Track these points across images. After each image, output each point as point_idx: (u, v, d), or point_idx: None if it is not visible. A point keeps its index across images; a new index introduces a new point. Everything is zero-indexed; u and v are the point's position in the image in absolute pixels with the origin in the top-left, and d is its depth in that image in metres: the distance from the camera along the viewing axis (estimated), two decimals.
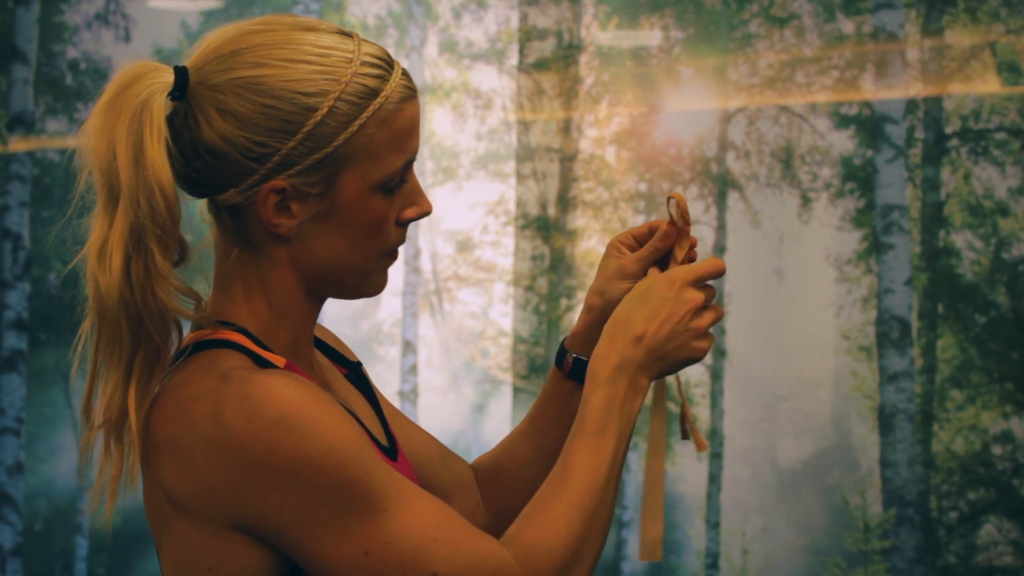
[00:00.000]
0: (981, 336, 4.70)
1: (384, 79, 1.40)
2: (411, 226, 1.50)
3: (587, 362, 1.58)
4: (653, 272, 1.53)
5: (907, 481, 4.66)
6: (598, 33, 5.04)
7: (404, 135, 1.42)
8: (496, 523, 1.65)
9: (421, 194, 1.47)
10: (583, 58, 5.01)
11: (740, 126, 4.94)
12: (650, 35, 4.99)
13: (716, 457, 4.88)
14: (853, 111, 4.84)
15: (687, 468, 4.89)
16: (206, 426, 1.32)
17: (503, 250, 5.37)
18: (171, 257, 1.37)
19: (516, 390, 5.09)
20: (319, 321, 1.57)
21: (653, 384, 1.50)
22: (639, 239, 1.60)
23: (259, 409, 1.31)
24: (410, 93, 1.42)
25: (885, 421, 4.71)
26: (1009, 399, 4.62)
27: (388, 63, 1.42)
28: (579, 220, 5.02)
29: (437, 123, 5.45)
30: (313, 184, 1.39)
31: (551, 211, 5.03)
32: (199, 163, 1.39)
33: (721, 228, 4.95)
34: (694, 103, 4.94)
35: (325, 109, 1.37)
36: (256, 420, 1.31)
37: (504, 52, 5.38)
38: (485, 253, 5.45)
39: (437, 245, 5.53)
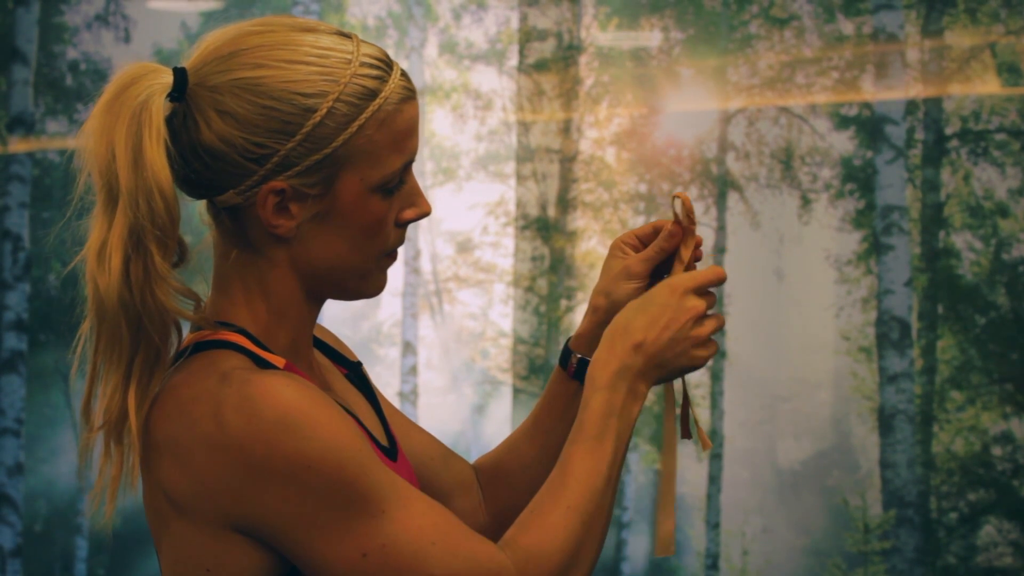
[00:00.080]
0: (981, 337, 4.70)
1: (383, 80, 1.40)
2: (411, 227, 1.50)
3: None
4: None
5: (907, 482, 4.66)
6: (598, 34, 5.04)
7: (403, 136, 1.42)
8: (498, 523, 1.65)
9: (420, 195, 1.47)
10: (583, 59, 5.01)
11: (740, 127, 4.94)
12: (650, 36, 4.99)
13: (716, 458, 4.88)
14: (853, 112, 4.84)
15: (687, 469, 4.89)
16: (206, 426, 1.32)
17: (503, 251, 5.37)
18: (170, 258, 1.37)
19: (516, 391, 5.09)
20: (319, 321, 1.57)
21: (663, 386, 1.51)
22: (643, 239, 1.60)
23: (259, 410, 1.31)
24: (409, 94, 1.42)
25: (885, 422, 4.71)
26: (1009, 400, 4.62)
27: (387, 64, 1.42)
28: (579, 221, 5.02)
29: (437, 124, 5.45)
30: (312, 185, 1.39)
31: (551, 212, 5.03)
32: (198, 164, 1.39)
33: (721, 229, 4.95)
34: (694, 104, 4.94)
35: (324, 110, 1.37)
36: (256, 421, 1.31)
37: (504, 53, 5.38)
38: (485, 254, 5.45)
39: (437, 246, 5.53)
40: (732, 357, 4.92)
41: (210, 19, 5.23)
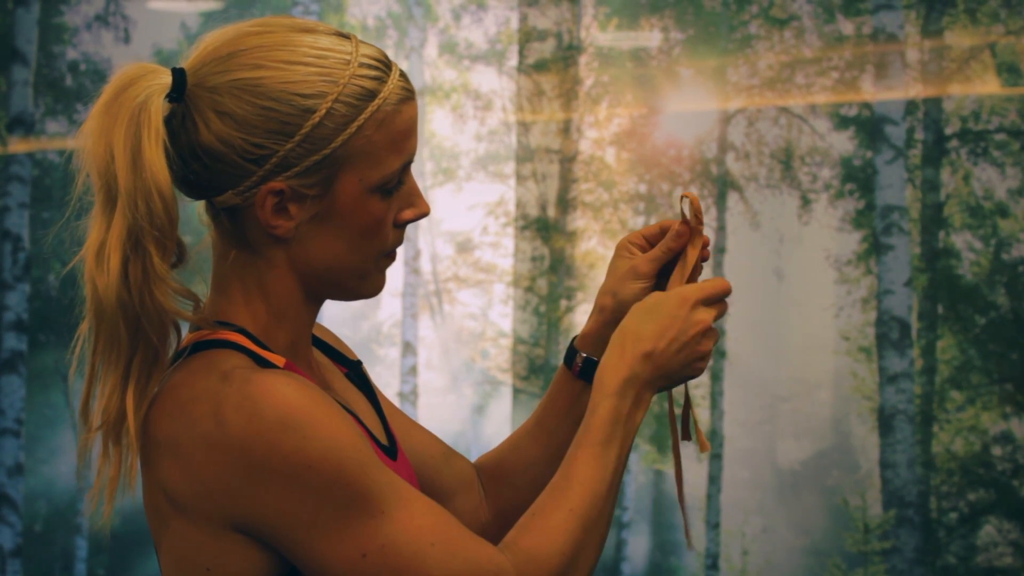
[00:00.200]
0: (981, 337, 4.70)
1: (382, 81, 1.40)
2: (411, 227, 1.50)
3: (597, 362, 1.59)
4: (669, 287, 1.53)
5: (907, 482, 4.66)
6: (598, 34, 5.04)
7: (402, 137, 1.42)
8: (499, 522, 1.65)
9: (419, 195, 1.47)
10: (583, 59, 5.01)
11: (740, 127, 4.94)
12: (650, 36, 4.99)
13: (716, 458, 4.88)
14: (853, 112, 4.84)
15: (687, 469, 4.88)
16: (206, 425, 1.32)
17: (503, 251, 5.37)
18: (169, 259, 1.37)
19: (516, 391, 5.09)
20: (318, 321, 1.57)
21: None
22: (650, 239, 1.60)
23: (259, 409, 1.31)
24: (408, 95, 1.42)
25: (885, 422, 4.71)
26: (1009, 400, 4.62)
27: (386, 65, 1.42)
28: (579, 221, 5.02)
29: (437, 124, 5.45)
30: (311, 186, 1.39)
31: (551, 212, 5.03)
32: (197, 165, 1.39)
33: (721, 229, 4.95)
34: (694, 104, 4.94)
35: (323, 111, 1.37)
36: (256, 420, 1.31)
37: (504, 53, 5.38)
38: (485, 254, 5.45)
39: (437, 246, 5.53)
40: (732, 357, 4.92)
41: (210, 19, 5.23)
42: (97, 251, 1.35)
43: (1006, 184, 4.70)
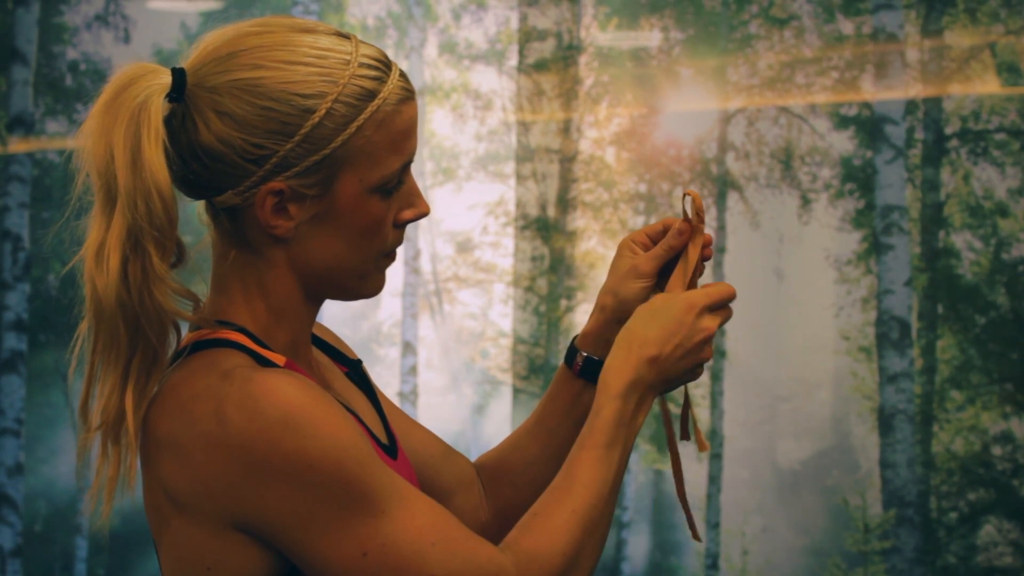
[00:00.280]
0: (981, 337, 4.70)
1: (382, 81, 1.40)
2: (411, 227, 1.50)
3: (598, 361, 1.59)
4: (671, 290, 1.53)
5: (907, 482, 4.66)
6: (598, 34, 5.04)
7: (402, 137, 1.42)
8: (500, 521, 1.65)
9: (419, 195, 1.47)
10: (583, 59, 5.01)
11: (740, 127, 4.94)
12: (650, 36, 4.99)
13: (716, 458, 4.88)
14: (853, 112, 4.84)
15: (687, 469, 4.88)
16: (207, 424, 1.32)
17: (503, 251, 5.37)
18: (168, 259, 1.37)
19: (516, 391, 5.08)
20: (318, 320, 1.57)
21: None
22: (653, 237, 1.60)
23: (260, 408, 1.31)
24: (408, 95, 1.42)
25: (885, 422, 4.71)
26: (1009, 400, 4.62)
27: (386, 65, 1.42)
28: (579, 221, 5.02)
29: (437, 124, 5.45)
30: (311, 186, 1.39)
31: (551, 212, 5.03)
32: (197, 165, 1.39)
33: (721, 229, 4.95)
34: (694, 104, 4.94)
35: (323, 111, 1.37)
36: (257, 419, 1.31)
37: (504, 53, 5.37)
38: (485, 254, 5.45)
39: (437, 246, 5.53)
40: (732, 357, 4.92)
41: (210, 19, 5.23)
42: (96, 251, 1.35)
43: (1006, 184, 4.70)
